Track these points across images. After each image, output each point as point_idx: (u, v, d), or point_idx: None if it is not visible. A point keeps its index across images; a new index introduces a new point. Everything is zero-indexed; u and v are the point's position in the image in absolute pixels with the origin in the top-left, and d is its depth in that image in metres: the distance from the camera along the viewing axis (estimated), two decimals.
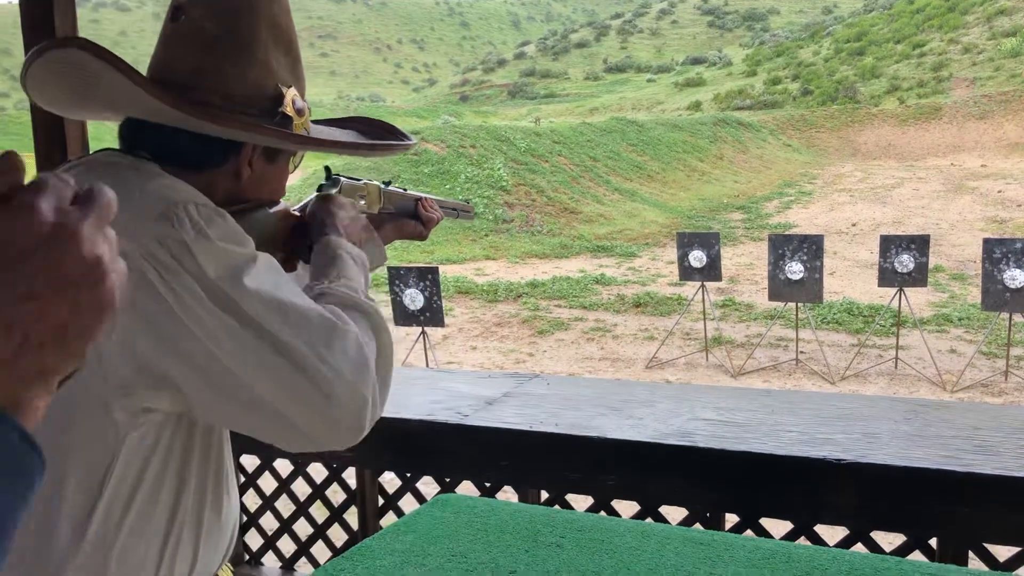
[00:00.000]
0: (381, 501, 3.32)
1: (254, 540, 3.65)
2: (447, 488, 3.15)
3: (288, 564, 3.57)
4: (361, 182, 1.41)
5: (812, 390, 7.52)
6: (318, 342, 0.99)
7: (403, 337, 9.96)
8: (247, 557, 3.63)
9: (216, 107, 1.08)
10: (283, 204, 1.27)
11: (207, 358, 0.95)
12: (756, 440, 2.26)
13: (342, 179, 1.36)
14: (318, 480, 3.51)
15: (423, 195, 1.54)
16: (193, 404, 0.99)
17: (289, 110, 1.15)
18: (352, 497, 3.39)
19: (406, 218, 1.51)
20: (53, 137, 2.86)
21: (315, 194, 1.31)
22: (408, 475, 3.24)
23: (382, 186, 1.45)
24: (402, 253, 15.06)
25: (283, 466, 3.60)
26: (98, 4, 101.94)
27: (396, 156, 16.62)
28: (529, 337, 9.80)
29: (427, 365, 7.07)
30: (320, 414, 0.99)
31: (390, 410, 2.70)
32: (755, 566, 1.64)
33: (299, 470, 3.46)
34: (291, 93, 1.16)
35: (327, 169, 1.36)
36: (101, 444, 0.99)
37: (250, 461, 3.73)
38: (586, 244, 15.52)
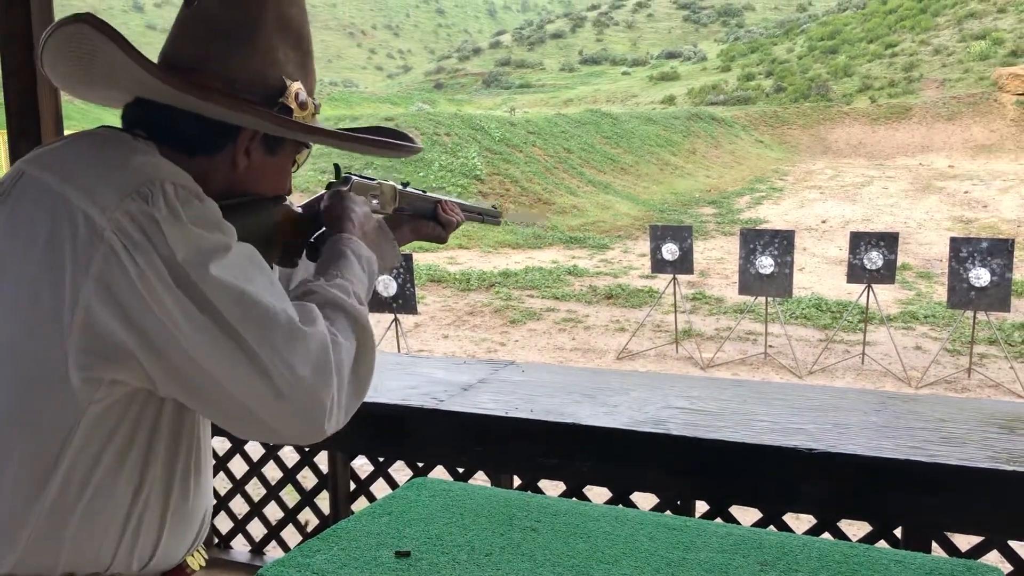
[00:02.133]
0: (353, 486, 3.32)
1: (223, 523, 3.64)
2: (420, 473, 3.15)
3: (258, 548, 3.56)
4: (375, 182, 1.39)
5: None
6: (277, 340, 0.98)
7: (375, 324, 9.94)
8: (216, 540, 3.61)
9: (216, 91, 1.07)
10: (288, 201, 1.26)
11: (165, 338, 0.95)
12: (728, 428, 2.29)
13: (354, 177, 1.35)
14: (289, 464, 3.49)
15: (443, 197, 1.53)
16: (154, 380, 0.98)
17: (290, 101, 1.14)
18: (323, 481, 3.38)
19: (424, 220, 1.49)
20: (26, 112, 2.82)
21: (324, 191, 1.30)
22: (381, 460, 3.24)
23: (399, 187, 1.44)
24: None
25: (254, 449, 3.58)
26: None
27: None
28: (501, 327, 9.81)
29: (399, 352, 7.06)
30: (272, 411, 0.99)
31: (368, 395, 2.70)
32: (726, 551, 1.67)
33: (270, 454, 3.44)
34: (295, 86, 1.15)
35: (337, 167, 1.36)
36: (58, 413, 0.97)
37: (220, 444, 3.71)
38: (559, 235, 15.55)
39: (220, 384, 0.97)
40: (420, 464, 3.07)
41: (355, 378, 1.11)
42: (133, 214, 0.96)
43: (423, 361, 3.20)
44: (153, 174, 1.00)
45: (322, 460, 3.47)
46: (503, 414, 2.50)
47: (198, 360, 0.96)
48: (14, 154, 2.87)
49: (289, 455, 3.61)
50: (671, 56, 69.68)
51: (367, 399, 2.20)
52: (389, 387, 2.74)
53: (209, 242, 0.99)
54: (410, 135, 1.35)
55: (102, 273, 0.94)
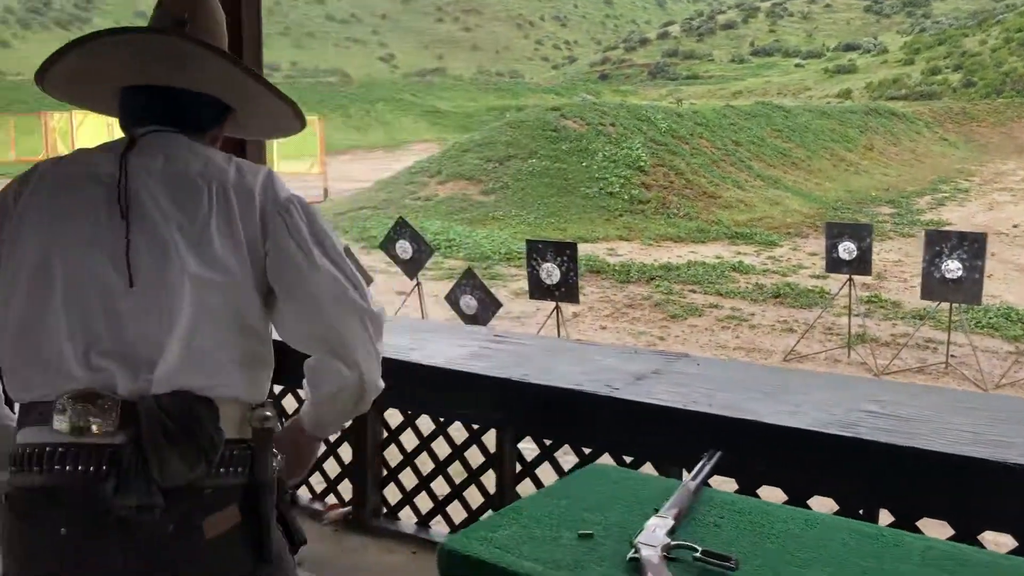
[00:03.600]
0: (519, 467, 3.36)
1: (392, 494, 3.75)
2: (585, 460, 3.14)
3: (423, 520, 3.66)
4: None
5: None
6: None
7: (535, 311, 10.01)
8: (384, 510, 3.74)
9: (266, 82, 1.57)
10: None
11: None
12: (924, 436, 2.15)
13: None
14: (458, 441, 3.57)
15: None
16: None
17: None
18: (490, 460, 3.43)
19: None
20: None
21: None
22: (548, 443, 3.25)
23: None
24: (535, 229, 15.14)
25: (425, 424, 3.68)
26: None
27: (533, 134, 16.50)
28: (661, 321, 9.68)
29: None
30: (353, 311, 1.55)
31: (538, 376, 2.71)
32: (927, 566, 1.56)
33: (440, 429, 3.53)
34: None
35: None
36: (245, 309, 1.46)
37: (393, 418, 3.84)
38: (724, 230, 15.17)
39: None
40: (587, 450, 3.06)
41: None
42: (289, 204, 1.51)
43: (593, 349, 3.19)
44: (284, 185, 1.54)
45: (490, 439, 3.53)
46: (680, 406, 2.45)
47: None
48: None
49: (458, 432, 3.69)
50: (849, 48, 66.52)
51: (540, 381, 2.30)
52: (562, 372, 2.73)
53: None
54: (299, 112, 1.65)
55: (274, 236, 1.47)
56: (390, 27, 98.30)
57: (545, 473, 3.47)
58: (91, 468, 1.33)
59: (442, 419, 3.53)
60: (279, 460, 1.52)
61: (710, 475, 1.92)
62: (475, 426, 3.47)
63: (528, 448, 3.51)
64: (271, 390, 1.82)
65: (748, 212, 16.75)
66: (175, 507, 1.34)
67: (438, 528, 3.67)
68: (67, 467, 1.33)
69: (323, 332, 1.53)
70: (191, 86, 1.49)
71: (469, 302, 6.94)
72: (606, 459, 3.25)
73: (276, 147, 21.16)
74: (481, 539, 1.79)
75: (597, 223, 15.40)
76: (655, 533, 1.65)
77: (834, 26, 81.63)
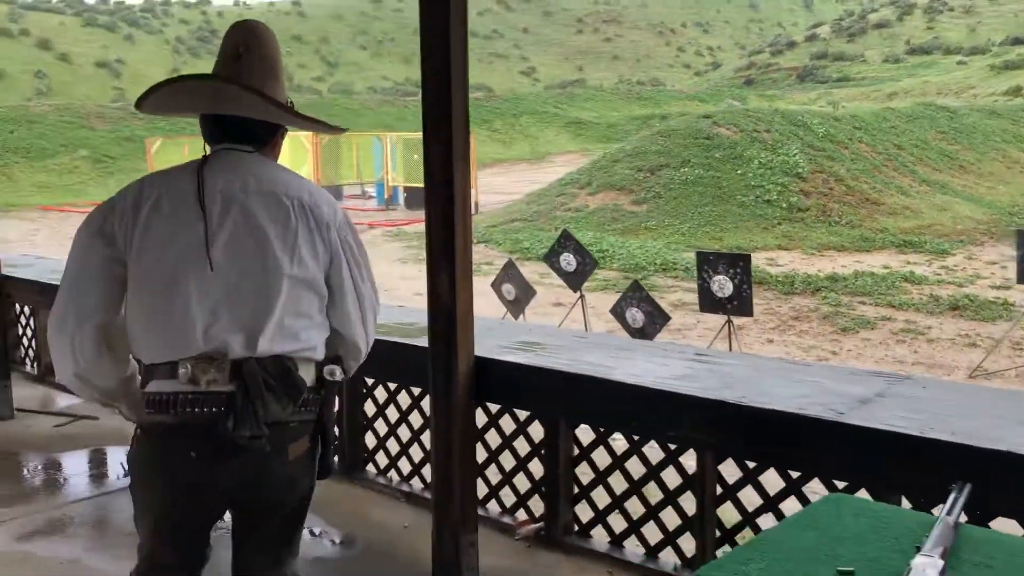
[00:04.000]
0: (719, 489, 3.25)
1: (584, 512, 3.73)
2: (795, 484, 3.01)
3: (617, 540, 3.61)
4: None
5: None
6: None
7: (695, 324, 9.81)
8: (576, 528, 3.71)
9: (285, 108, 2.01)
10: None
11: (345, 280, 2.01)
12: None
13: None
14: (653, 461, 3.50)
15: None
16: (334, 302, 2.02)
17: (292, 106, 2.07)
18: (689, 481, 3.35)
19: None
20: (440, 114, 3.04)
21: None
22: (751, 465, 3.14)
23: None
24: (689, 239, 14.87)
25: (619, 443, 3.63)
26: None
27: (685, 143, 16.27)
28: (831, 334, 9.29)
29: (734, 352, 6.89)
30: (364, 328, 2.10)
31: (756, 398, 2.61)
32: None
33: (634, 449, 3.47)
34: (291, 98, 2.10)
35: None
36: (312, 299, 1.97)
37: (585, 435, 3.81)
38: (890, 238, 14.45)
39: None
40: (794, 474, 2.94)
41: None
42: (348, 223, 2.05)
43: (804, 368, 3.06)
44: (339, 208, 2.07)
45: (686, 460, 3.44)
46: (916, 433, 2.31)
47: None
48: (428, 151, 3.12)
49: (653, 452, 3.62)
50: (1017, 42, 62.26)
51: (754, 403, 2.28)
52: (779, 394, 2.63)
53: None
54: (334, 123, 2.22)
55: (333, 245, 1.98)
56: (531, 41, 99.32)
57: (747, 496, 3.36)
58: (212, 409, 1.83)
59: (636, 437, 3.48)
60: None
61: (961, 510, 1.78)
62: (672, 446, 3.39)
63: (728, 470, 3.40)
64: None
65: (915, 219, 15.90)
66: (271, 436, 1.85)
67: (632, 549, 3.61)
68: (193, 409, 1.83)
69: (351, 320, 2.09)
70: (239, 113, 1.97)
71: (636, 315, 6.86)
72: (816, 485, 3.12)
73: None
74: (735, 572, 1.72)
75: (755, 232, 14.97)
76: (926, 574, 1.53)
77: (999, 19, 76.70)
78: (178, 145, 28.95)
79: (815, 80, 67.35)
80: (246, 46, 2.00)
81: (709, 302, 6.89)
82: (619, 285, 11.73)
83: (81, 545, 3.65)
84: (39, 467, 4.64)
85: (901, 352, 8.58)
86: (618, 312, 7.11)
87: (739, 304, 6.66)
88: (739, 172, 16.90)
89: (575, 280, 8.15)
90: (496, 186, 22.33)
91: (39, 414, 5.46)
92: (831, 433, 2.43)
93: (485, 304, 8.56)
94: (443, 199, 3.05)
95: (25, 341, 6.44)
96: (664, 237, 14.96)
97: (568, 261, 7.98)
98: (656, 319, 6.82)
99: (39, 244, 17.43)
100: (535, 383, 3.05)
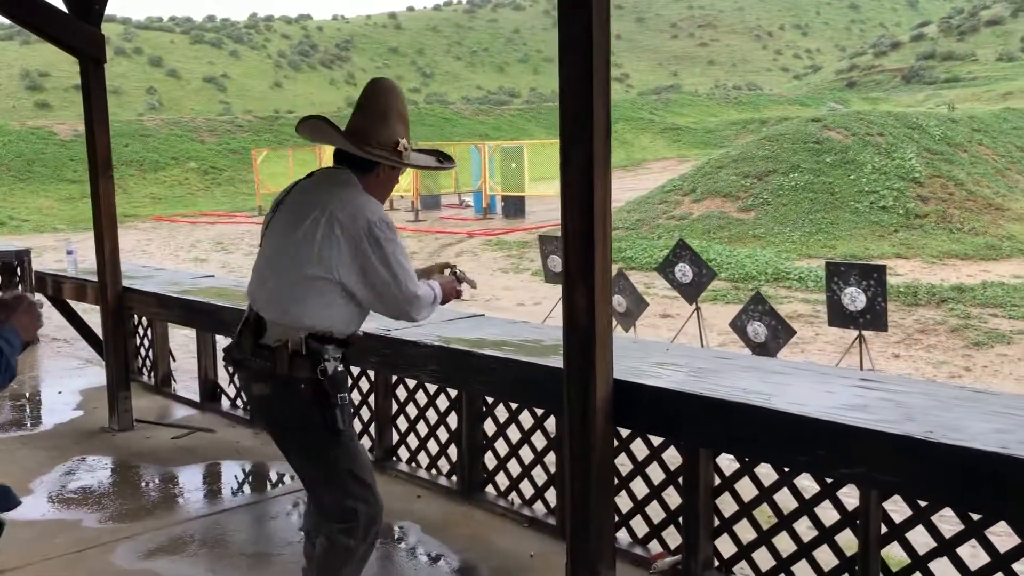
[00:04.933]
0: (884, 528, 2.95)
1: (725, 546, 3.46)
2: (976, 528, 2.69)
3: None
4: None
5: None
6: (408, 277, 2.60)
7: (813, 337, 9.35)
8: (716, 563, 3.45)
9: (371, 146, 2.60)
10: None
11: (375, 280, 2.56)
12: None
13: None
14: (807, 495, 3.21)
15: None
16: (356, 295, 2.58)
17: (400, 148, 2.64)
18: (848, 518, 3.05)
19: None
20: (580, 119, 2.84)
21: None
22: (923, 504, 2.82)
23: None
24: (800, 247, 14.31)
25: (766, 473, 3.35)
26: (497, 5, 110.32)
27: (793, 147, 15.66)
28: (962, 349, 8.72)
29: (863, 369, 6.47)
30: (397, 311, 2.65)
31: (945, 434, 2.30)
32: None
33: (784, 480, 3.19)
34: (403, 142, 2.64)
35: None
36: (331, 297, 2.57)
37: (728, 464, 3.54)
38: (1018, 246, 13.59)
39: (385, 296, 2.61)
40: (975, 517, 2.62)
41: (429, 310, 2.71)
42: (372, 228, 2.52)
43: (991, 398, 2.72)
44: (375, 213, 2.55)
45: (845, 494, 3.14)
46: None
47: (379, 287, 2.58)
48: (566, 161, 2.93)
49: (807, 485, 3.32)
50: None
51: (947, 439, 2.36)
52: (973, 428, 2.33)
53: (392, 241, 2.55)
54: (448, 156, 2.94)
55: (355, 253, 2.52)
56: (625, 47, 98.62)
57: (916, 536, 3.04)
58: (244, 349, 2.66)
59: (786, 469, 3.20)
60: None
61: None
62: (829, 480, 3.10)
63: (891, 506, 3.09)
64: None
65: None
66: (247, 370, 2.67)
67: None
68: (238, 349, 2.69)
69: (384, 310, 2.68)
70: (324, 142, 2.77)
71: (758, 329, 6.51)
72: (999, 527, 2.78)
73: (527, 171, 21.58)
74: None
75: (870, 240, 14.30)
76: None
77: None
78: (281, 156, 29.65)
79: (922, 81, 64.84)
80: (366, 97, 2.67)
81: (839, 316, 6.48)
82: (729, 296, 11.32)
83: (204, 565, 3.58)
84: (159, 481, 4.63)
85: None
86: (738, 326, 6.77)
87: (872, 318, 6.24)
88: (851, 177, 16.19)
89: (691, 292, 7.84)
90: None
91: (158, 426, 5.49)
92: None
93: None
94: (581, 212, 2.85)
95: (143, 351, 6.52)
96: (774, 245, 14.42)
97: (684, 272, 7.68)
98: (780, 334, 6.46)
99: (152, 253, 17.99)
100: (686, 410, 2.81)
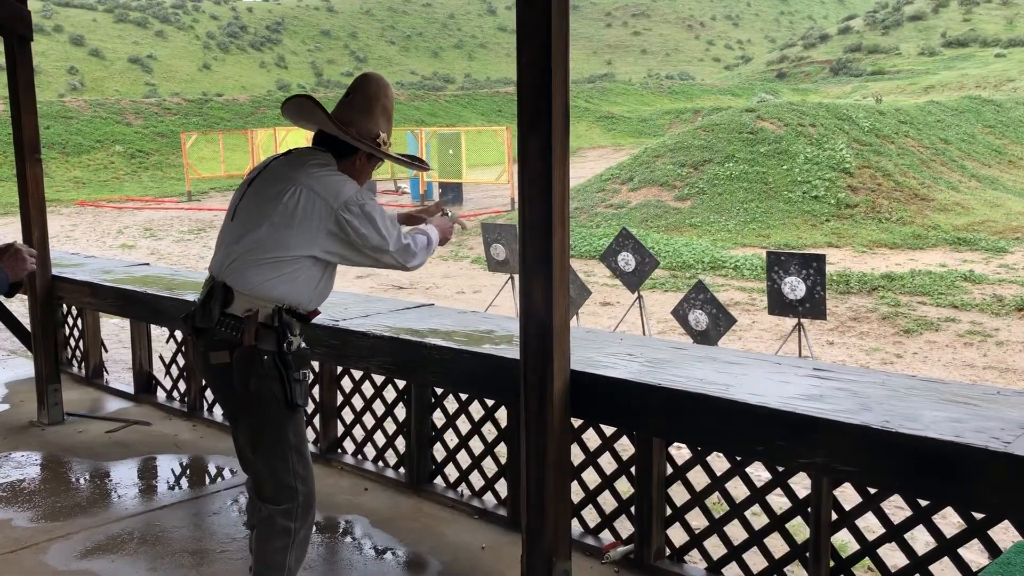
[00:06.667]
0: (834, 516, 2.99)
1: (678, 535, 3.47)
2: (924, 513, 2.74)
3: (715, 567, 3.35)
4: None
5: None
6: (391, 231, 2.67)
7: (750, 325, 9.50)
8: (668, 552, 3.46)
9: (352, 136, 2.65)
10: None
11: (363, 243, 2.62)
12: None
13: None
14: (758, 484, 3.24)
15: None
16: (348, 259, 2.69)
17: (379, 140, 2.71)
18: (800, 506, 3.08)
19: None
20: (538, 108, 2.79)
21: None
22: (872, 491, 2.87)
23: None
24: (736, 236, 14.53)
25: (717, 463, 3.37)
26: None
27: (728, 137, 15.82)
28: (893, 336, 8.95)
29: (803, 357, 6.59)
30: (392, 263, 2.71)
31: (901, 424, 2.34)
32: None
33: (735, 469, 3.20)
34: (382, 136, 2.73)
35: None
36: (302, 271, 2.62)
37: (681, 453, 3.54)
38: (943, 235, 14.02)
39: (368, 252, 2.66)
40: (923, 503, 2.67)
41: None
42: (349, 205, 2.58)
43: (941, 386, 2.76)
44: (349, 191, 2.61)
45: (797, 482, 3.17)
46: None
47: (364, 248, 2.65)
48: (524, 149, 2.88)
49: (759, 473, 3.35)
50: None
51: (899, 428, 2.36)
52: (927, 417, 2.36)
53: (371, 203, 2.64)
54: (421, 158, 3.18)
55: (331, 229, 2.57)
56: None
57: (868, 523, 3.09)
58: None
59: (737, 459, 3.22)
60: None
61: None
62: (780, 468, 3.13)
63: (841, 493, 3.13)
64: None
65: (966, 216, 15.44)
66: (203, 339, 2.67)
67: (731, 574, 3.35)
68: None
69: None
70: (304, 122, 2.77)
71: (699, 317, 6.57)
72: (951, 514, 2.83)
73: (464, 157, 21.45)
74: None
75: (803, 229, 14.59)
76: None
77: None
78: (211, 141, 28.95)
79: (849, 73, 66.39)
80: (353, 88, 2.74)
81: (779, 304, 6.57)
82: (667, 284, 11.43)
83: (144, 564, 3.46)
84: (94, 476, 4.46)
85: (970, 355, 8.23)
86: (680, 314, 6.82)
87: (811, 307, 6.34)
88: (785, 167, 16.49)
89: (634, 280, 7.87)
90: None
91: (91, 419, 5.29)
92: (994, 465, 2.15)
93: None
94: (539, 201, 2.81)
95: (72, 342, 6.29)
96: (710, 234, 14.61)
97: (627, 261, 7.70)
98: (721, 322, 6.53)
99: (77, 239, 17.40)
100: (646, 401, 2.79)
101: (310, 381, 2.87)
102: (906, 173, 16.77)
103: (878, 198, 15.53)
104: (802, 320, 6.64)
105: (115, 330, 8.39)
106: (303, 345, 2.69)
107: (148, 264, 6.76)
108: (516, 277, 9.28)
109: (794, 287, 6.28)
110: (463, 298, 11.10)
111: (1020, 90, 39.17)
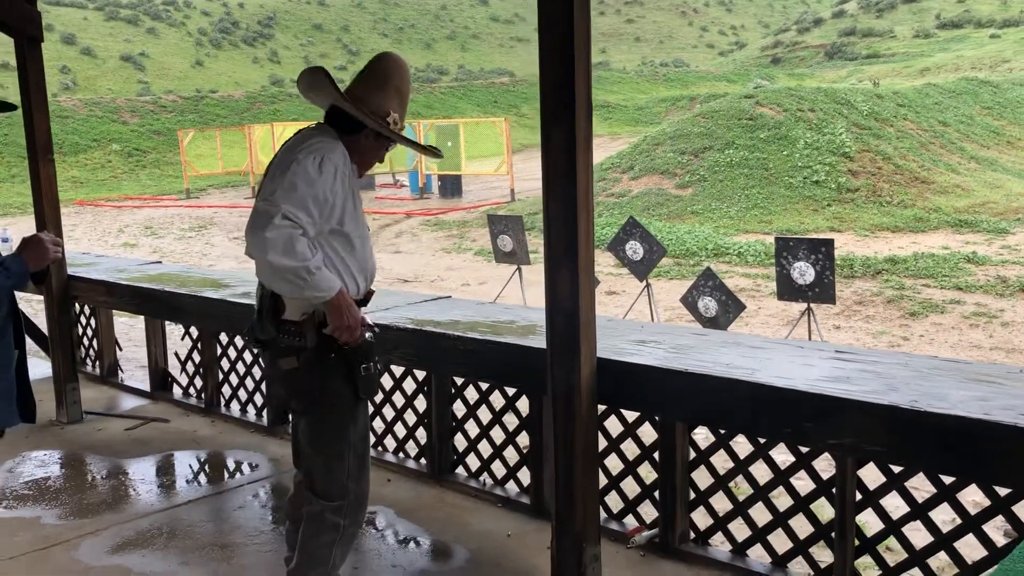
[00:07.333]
0: (859, 496, 3.03)
1: (702, 519, 3.51)
2: (947, 491, 2.78)
3: (739, 549, 3.40)
4: None
5: None
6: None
7: (756, 311, 9.54)
8: (692, 535, 3.50)
9: (363, 111, 2.56)
10: None
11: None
12: None
13: None
14: (782, 465, 3.28)
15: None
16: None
17: (389, 119, 2.62)
18: (824, 487, 3.12)
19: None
20: (561, 98, 2.82)
21: None
22: (896, 470, 2.90)
23: None
24: (738, 223, 14.56)
25: (742, 447, 3.41)
26: None
27: (728, 124, 15.81)
28: (899, 319, 8.99)
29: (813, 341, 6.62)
30: (251, 222, 2.44)
31: (930, 403, 2.37)
32: None
33: (759, 451, 3.24)
34: (393, 115, 2.63)
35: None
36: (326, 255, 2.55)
37: (704, 436, 3.58)
38: (945, 218, 14.05)
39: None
40: (947, 479, 2.71)
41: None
42: (304, 150, 2.47)
43: (964, 366, 2.80)
44: (321, 147, 2.47)
45: (821, 464, 3.22)
46: None
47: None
48: (547, 139, 2.90)
49: (782, 456, 3.39)
50: None
51: (929, 408, 2.36)
52: (956, 396, 2.40)
53: (307, 164, 2.44)
54: (434, 146, 3.60)
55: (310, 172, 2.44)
56: None
57: (893, 503, 3.13)
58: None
59: (761, 441, 3.25)
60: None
61: None
62: (804, 450, 3.17)
63: (866, 474, 3.16)
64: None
65: (967, 197, 15.48)
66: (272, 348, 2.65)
67: (756, 558, 3.39)
68: None
69: None
70: (314, 95, 2.67)
71: (708, 304, 6.61)
72: (973, 493, 2.87)
73: (463, 149, 21.44)
74: None
75: (804, 214, 14.62)
76: None
77: None
78: (208, 137, 28.91)
79: (844, 57, 66.34)
80: (369, 66, 2.69)
81: (788, 289, 6.61)
82: (672, 272, 11.47)
83: (176, 558, 3.50)
84: (117, 473, 4.50)
85: (976, 337, 8.28)
86: (689, 301, 6.86)
87: (820, 291, 6.39)
88: (785, 153, 16.51)
89: (642, 269, 7.90)
90: (529, 172, 22.02)
91: (110, 417, 5.33)
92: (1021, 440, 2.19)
93: (533, 296, 8.36)
94: (564, 191, 2.84)
95: (86, 341, 6.32)
96: (712, 221, 14.64)
97: (635, 249, 7.74)
98: (730, 308, 6.57)
99: (79, 239, 17.40)
100: (672, 387, 2.83)
101: (376, 372, 2.71)
102: (906, 156, 16.79)
103: (879, 182, 15.56)
104: (811, 305, 6.68)
105: (124, 329, 8.42)
106: (367, 336, 2.60)
107: (160, 262, 6.80)
108: (523, 268, 9.33)
109: (803, 272, 6.32)
110: (468, 290, 11.13)
111: (1016, 71, 39.16)
